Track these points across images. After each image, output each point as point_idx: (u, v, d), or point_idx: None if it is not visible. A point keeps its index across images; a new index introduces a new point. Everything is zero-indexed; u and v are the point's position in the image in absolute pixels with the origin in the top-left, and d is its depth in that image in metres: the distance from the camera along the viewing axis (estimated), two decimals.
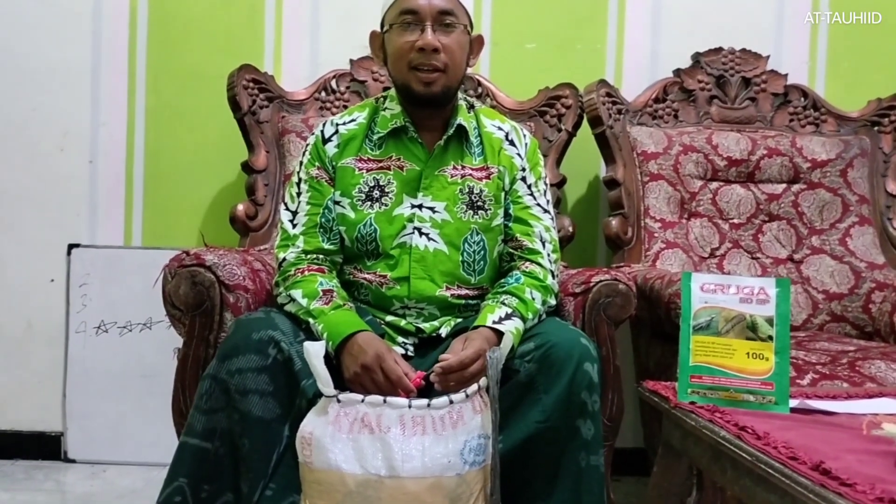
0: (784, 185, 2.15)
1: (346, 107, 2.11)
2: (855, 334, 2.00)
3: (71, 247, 2.28)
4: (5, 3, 2.27)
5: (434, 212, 1.50)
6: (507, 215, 1.55)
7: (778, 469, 0.88)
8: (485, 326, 1.37)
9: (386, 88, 1.90)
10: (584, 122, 2.14)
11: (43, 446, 2.29)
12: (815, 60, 2.35)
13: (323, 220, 1.51)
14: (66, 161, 2.30)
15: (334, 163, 1.53)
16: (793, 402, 1.12)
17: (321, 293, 1.41)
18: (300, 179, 1.54)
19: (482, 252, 1.51)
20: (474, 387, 1.25)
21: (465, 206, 1.51)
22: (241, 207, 2.04)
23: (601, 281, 1.52)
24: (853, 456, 0.89)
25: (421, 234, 1.49)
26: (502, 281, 1.50)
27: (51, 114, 2.29)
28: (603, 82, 2.16)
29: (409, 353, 1.46)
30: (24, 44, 2.28)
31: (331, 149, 1.54)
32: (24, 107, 2.29)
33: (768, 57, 2.24)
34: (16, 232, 2.30)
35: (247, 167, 2.10)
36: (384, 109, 1.55)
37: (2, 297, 2.30)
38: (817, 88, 2.31)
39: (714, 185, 2.14)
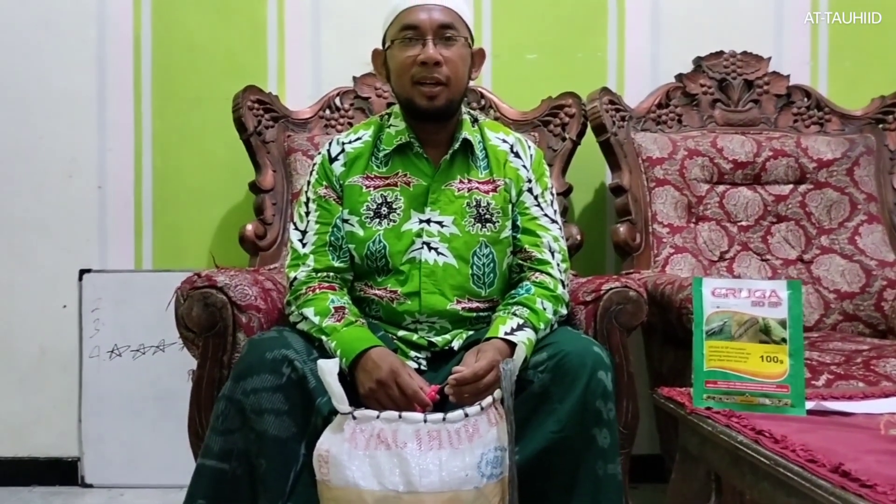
0: (791, 186, 2.15)
1: (350, 124, 2.13)
2: (868, 333, 1.99)
3: (82, 272, 2.30)
4: (10, 32, 2.30)
5: (442, 226, 1.50)
6: (514, 227, 1.55)
7: (797, 472, 0.87)
8: (497, 338, 1.37)
9: (390, 104, 1.91)
10: (588, 130, 2.15)
11: (60, 472, 2.29)
12: (817, 60, 2.35)
13: (332, 238, 1.51)
14: (74, 187, 2.32)
15: (341, 181, 1.54)
16: (809, 404, 1.12)
17: (333, 310, 1.42)
18: (308, 199, 1.55)
19: (491, 265, 1.51)
20: (489, 399, 1.25)
21: (472, 220, 1.51)
22: (249, 227, 2.06)
23: (612, 288, 1.52)
24: (872, 456, 0.88)
25: (430, 248, 1.49)
26: (513, 292, 1.50)
27: (58, 141, 2.31)
28: (605, 90, 2.17)
29: (423, 368, 1.46)
30: (30, 72, 2.30)
31: (338, 167, 1.54)
32: (31, 135, 2.31)
33: (769, 59, 2.25)
34: (27, 259, 2.31)
35: (254, 187, 2.11)
36: (389, 126, 1.56)
37: (15, 324, 2.31)
38: (820, 88, 2.32)
39: (721, 188, 2.14)
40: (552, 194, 1.61)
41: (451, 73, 1.47)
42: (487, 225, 1.52)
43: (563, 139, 2.14)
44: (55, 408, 2.30)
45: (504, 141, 1.60)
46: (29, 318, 2.31)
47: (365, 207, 1.51)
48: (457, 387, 1.29)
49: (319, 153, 1.59)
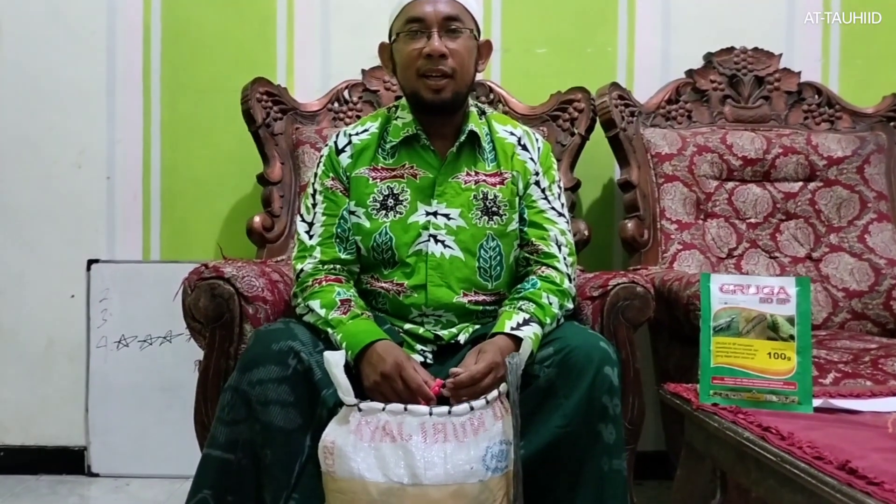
0: (800, 184, 2.14)
1: (358, 117, 2.13)
2: (877, 332, 1.98)
3: (90, 262, 2.31)
4: (20, 24, 2.30)
5: (449, 218, 1.50)
6: (521, 220, 1.55)
7: (803, 469, 0.87)
8: (503, 333, 1.37)
9: (398, 97, 1.91)
10: (597, 126, 2.14)
11: (66, 461, 2.31)
12: (828, 57, 2.34)
13: (339, 230, 1.51)
14: (83, 178, 2.32)
15: (348, 173, 1.54)
16: (816, 402, 1.12)
17: (339, 303, 1.42)
18: (315, 191, 1.55)
19: (498, 258, 1.51)
20: (494, 393, 1.25)
21: (479, 212, 1.51)
22: (257, 219, 2.06)
23: (619, 284, 1.52)
24: (879, 454, 0.88)
25: (436, 241, 1.49)
26: (519, 286, 1.50)
27: (67, 132, 2.32)
28: (615, 85, 2.16)
29: (428, 361, 1.46)
30: (40, 63, 2.31)
31: (344, 159, 1.54)
32: (40, 125, 2.32)
33: (781, 55, 2.23)
34: (35, 249, 2.32)
35: (262, 179, 2.11)
36: (396, 118, 1.56)
37: (23, 314, 2.33)
38: (831, 85, 2.30)
39: (730, 184, 2.13)
40: (559, 188, 1.61)
41: (457, 66, 1.47)
42: (494, 218, 1.52)
43: (572, 134, 2.13)
44: (62, 397, 2.31)
45: (512, 133, 1.59)
46: (37, 308, 2.32)
47: (371, 199, 1.51)
48: (454, 389, 1.29)
49: (327, 145, 1.59)
